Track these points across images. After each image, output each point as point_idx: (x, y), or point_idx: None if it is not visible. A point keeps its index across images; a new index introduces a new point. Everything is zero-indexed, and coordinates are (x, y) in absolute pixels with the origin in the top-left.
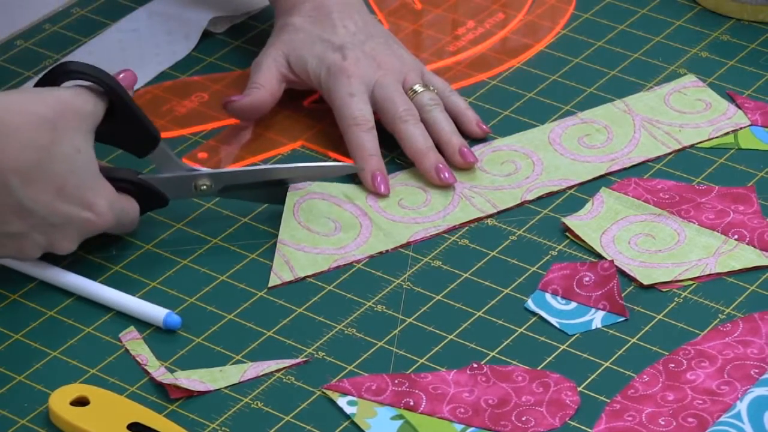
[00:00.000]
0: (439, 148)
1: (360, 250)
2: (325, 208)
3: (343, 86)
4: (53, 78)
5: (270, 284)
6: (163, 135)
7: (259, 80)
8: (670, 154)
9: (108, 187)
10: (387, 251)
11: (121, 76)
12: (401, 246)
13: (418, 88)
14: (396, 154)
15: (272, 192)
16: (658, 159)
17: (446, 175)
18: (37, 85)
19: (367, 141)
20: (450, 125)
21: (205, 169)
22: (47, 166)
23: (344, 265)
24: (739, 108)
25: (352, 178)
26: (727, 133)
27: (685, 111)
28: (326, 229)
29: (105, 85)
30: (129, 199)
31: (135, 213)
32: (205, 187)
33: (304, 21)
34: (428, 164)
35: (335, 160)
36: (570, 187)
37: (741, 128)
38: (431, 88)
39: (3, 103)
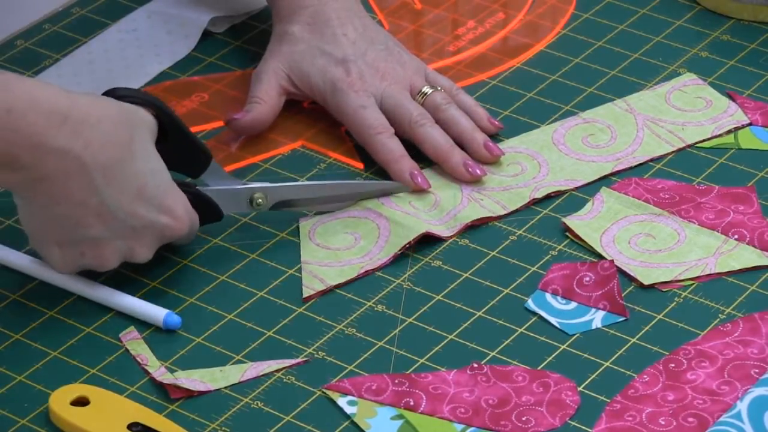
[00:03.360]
0: (462, 145)
1: (384, 251)
2: (340, 226)
3: (352, 101)
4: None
5: (304, 295)
6: None
7: (260, 94)
8: (670, 153)
9: (181, 193)
10: (410, 243)
11: None
12: (421, 236)
13: (426, 90)
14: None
15: (323, 206)
16: (659, 159)
17: (477, 170)
18: None
19: (394, 145)
20: (468, 121)
21: (259, 184)
22: (128, 164)
23: (372, 270)
24: (740, 107)
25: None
26: (729, 132)
27: (686, 109)
28: (346, 243)
29: (155, 107)
30: (192, 211)
31: (198, 223)
32: (261, 201)
33: (303, 30)
34: (455, 162)
35: (367, 176)
36: (578, 188)
37: (743, 126)
38: (439, 88)
39: (82, 98)
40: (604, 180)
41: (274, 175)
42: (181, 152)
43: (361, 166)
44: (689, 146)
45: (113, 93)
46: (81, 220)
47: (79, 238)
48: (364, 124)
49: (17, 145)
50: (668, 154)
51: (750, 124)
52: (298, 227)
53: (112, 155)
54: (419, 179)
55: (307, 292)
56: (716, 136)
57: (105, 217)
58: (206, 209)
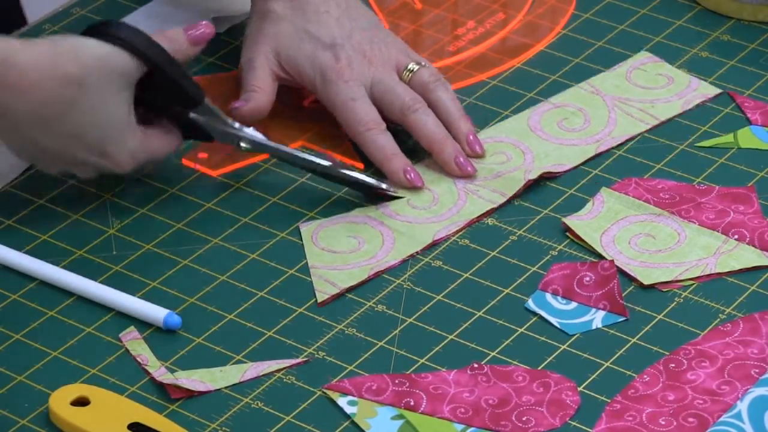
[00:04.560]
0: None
1: (391, 255)
2: (342, 230)
3: (342, 92)
4: (93, 34)
5: (319, 300)
6: None
7: (256, 83)
8: (646, 131)
9: (134, 137)
10: (417, 253)
11: (190, 32)
12: (428, 246)
13: (412, 66)
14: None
15: (321, 175)
16: (658, 159)
17: (468, 167)
18: (84, 32)
19: (386, 142)
20: (455, 105)
21: (250, 132)
22: (67, 118)
23: (381, 272)
24: (739, 107)
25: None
26: (730, 133)
27: (650, 87)
28: (351, 247)
29: (139, 53)
30: (163, 136)
31: (169, 147)
32: (244, 147)
33: (285, 7)
34: (447, 154)
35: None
36: (566, 171)
37: (709, 99)
38: (423, 63)
39: (30, 61)
40: (604, 180)
41: (275, 175)
42: (169, 92)
43: (361, 166)
44: (663, 123)
45: (100, 27)
46: (21, 145)
47: (27, 153)
48: (354, 119)
49: None
50: (645, 131)
51: (750, 125)
52: (298, 228)
53: (48, 113)
54: (412, 176)
55: (321, 297)
56: (686, 111)
57: (41, 149)
58: (193, 130)
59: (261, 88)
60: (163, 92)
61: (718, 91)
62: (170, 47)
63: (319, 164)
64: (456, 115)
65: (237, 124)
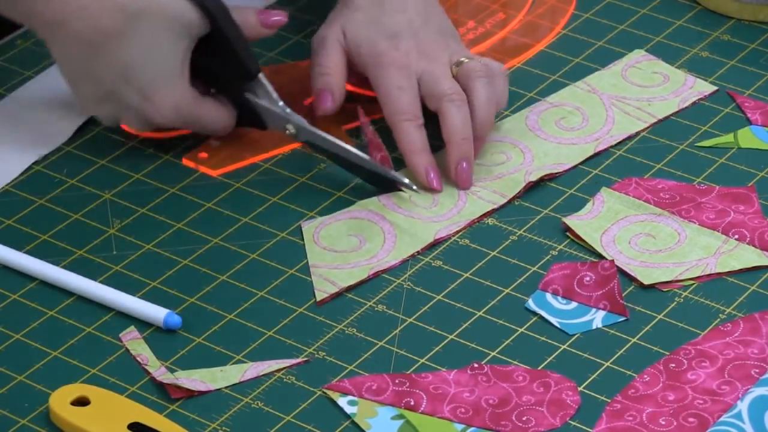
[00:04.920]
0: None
1: (391, 255)
2: (343, 228)
3: (391, 78)
4: None
5: (318, 299)
6: (165, 134)
7: (328, 63)
8: (645, 129)
9: (183, 92)
10: (418, 253)
11: (263, 16)
12: (429, 245)
13: (464, 59)
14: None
15: (349, 165)
16: (658, 159)
17: (465, 178)
18: None
19: (418, 137)
20: (485, 109)
21: (297, 118)
22: (114, 48)
23: (381, 271)
24: (739, 107)
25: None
26: (729, 132)
27: (646, 85)
28: (352, 246)
29: (206, 9)
30: (218, 108)
31: (221, 121)
32: (288, 132)
33: (365, 1)
34: (453, 156)
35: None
36: (567, 171)
37: (706, 96)
38: (481, 61)
39: None
40: (604, 180)
41: (275, 175)
42: (226, 60)
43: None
44: (660, 121)
45: None
46: (76, 76)
47: (80, 91)
48: (396, 107)
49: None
50: (643, 130)
51: (749, 124)
52: (299, 228)
53: (92, 40)
54: (432, 177)
55: (320, 296)
56: (683, 109)
57: (92, 82)
58: (248, 114)
59: (332, 69)
60: (220, 59)
61: (714, 88)
62: (239, 20)
63: (358, 157)
64: (480, 118)
65: (288, 109)
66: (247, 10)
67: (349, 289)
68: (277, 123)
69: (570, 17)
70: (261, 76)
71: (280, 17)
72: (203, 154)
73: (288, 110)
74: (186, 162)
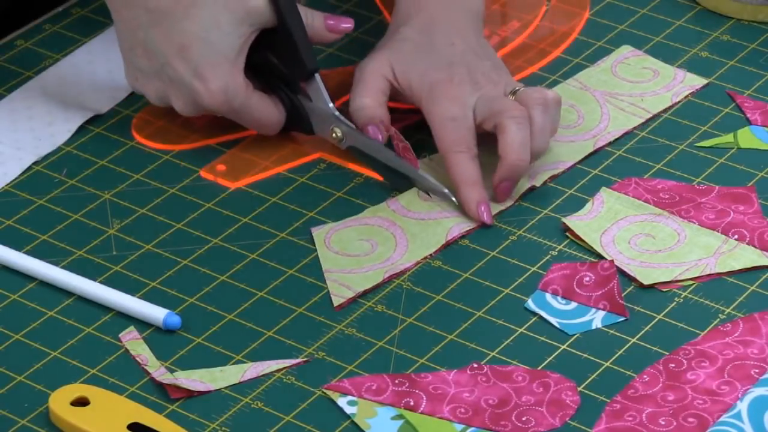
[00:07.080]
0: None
1: (405, 258)
2: (354, 234)
3: (445, 110)
4: None
5: (335, 304)
6: (182, 145)
7: (365, 93)
8: (640, 124)
9: (237, 76)
10: (432, 255)
11: (330, 21)
12: (442, 247)
13: (519, 88)
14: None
15: (390, 177)
16: (658, 159)
17: (483, 211)
18: None
19: (471, 168)
20: (539, 140)
21: (345, 122)
22: (178, 20)
23: (396, 275)
24: (739, 107)
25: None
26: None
27: (637, 81)
28: (364, 250)
29: (274, 1)
30: (268, 104)
31: (270, 118)
32: (335, 135)
33: (414, 32)
34: (496, 180)
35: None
36: (567, 169)
37: (697, 90)
38: (535, 89)
39: None
40: (604, 180)
41: (275, 175)
42: (287, 55)
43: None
44: (655, 116)
45: None
46: (133, 46)
47: (134, 62)
48: (449, 138)
49: None
50: (640, 125)
51: (749, 124)
52: (299, 228)
53: (161, 4)
54: (483, 210)
55: (337, 301)
56: (676, 104)
57: (148, 54)
58: (297, 117)
59: (373, 103)
60: (280, 53)
61: (705, 81)
62: (305, 20)
63: (405, 167)
64: (536, 144)
65: (337, 112)
66: (315, 12)
67: (365, 292)
68: (325, 126)
69: (585, 22)
70: (317, 75)
71: (348, 24)
72: (221, 167)
73: (338, 114)
74: (204, 174)
